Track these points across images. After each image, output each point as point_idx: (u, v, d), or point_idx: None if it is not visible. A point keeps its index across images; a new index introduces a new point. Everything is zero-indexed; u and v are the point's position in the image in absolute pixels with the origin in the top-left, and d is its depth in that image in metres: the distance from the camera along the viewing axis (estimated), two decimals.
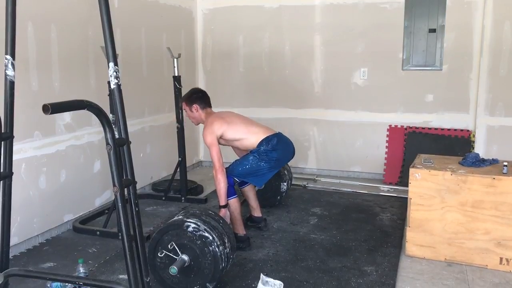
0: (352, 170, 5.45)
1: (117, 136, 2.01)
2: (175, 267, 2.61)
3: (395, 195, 4.71)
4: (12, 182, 2.35)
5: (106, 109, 2.91)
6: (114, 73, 2.06)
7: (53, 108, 1.63)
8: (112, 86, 2.09)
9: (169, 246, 2.70)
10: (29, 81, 3.38)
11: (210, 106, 3.65)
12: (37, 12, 3.41)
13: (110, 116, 3.25)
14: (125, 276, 2.09)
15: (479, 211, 3.06)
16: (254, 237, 3.60)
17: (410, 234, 3.27)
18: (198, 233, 2.66)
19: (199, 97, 3.61)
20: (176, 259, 2.68)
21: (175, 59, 4.39)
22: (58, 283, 2.62)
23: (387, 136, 5.23)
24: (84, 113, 2.26)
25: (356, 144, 5.38)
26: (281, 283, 2.72)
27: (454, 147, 4.86)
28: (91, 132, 3.99)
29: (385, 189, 4.92)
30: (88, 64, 3.97)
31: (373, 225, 3.89)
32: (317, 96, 5.45)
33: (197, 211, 2.90)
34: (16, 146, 2.89)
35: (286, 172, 4.36)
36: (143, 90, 4.76)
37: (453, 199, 3.12)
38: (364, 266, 3.13)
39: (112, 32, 2.06)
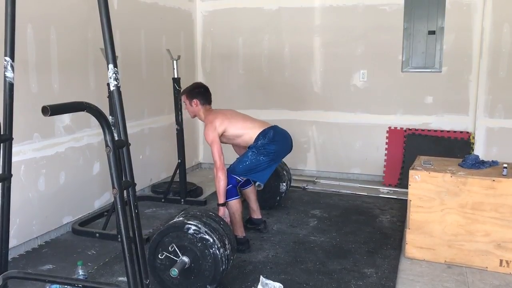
0: (352, 172, 5.44)
1: (116, 138, 2.01)
2: (175, 269, 2.61)
3: (395, 197, 4.71)
4: (11, 184, 2.35)
5: (106, 111, 2.91)
6: (114, 75, 2.06)
7: (52, 110, 1.63)
8: (112, 88, 2.09)
9: (169, 248, 2.70)
10: (29, 83, 3.38)
11: (210, 103, 3.63)
12: (36, 14, 3.41)
13: (110, 118, 3.24)
14: (125, 278, 2.08)
15: (479, 213, 3.06)
16: (253, 239, 3.59)
17: (410, 236, 3.26)
18: (199, 236, 2.66)
19: (201, 93, 3.59)
20: (177, 261, 2.67)
21: (175, 61, 4.39)
22: (57, 286, 2.61)
23: (387, 138, 5.23)
24: (84, 115, 2.26)
25: (355, 146, 5.38)
26: (281, 285, 2.72)
27: (454, 149, 4.86)
28: (90, 134, 3.98)
29: (385, 191, 4.92)
30: (87, 66, 3.97)
31: (372, 227, 3.88)
32: (316, 97, 5.45)
33: (198, 213, 2.89)
34: (15, 148, 2.89)
35: (285, 173, 4.35)
36: (142, 92, 4.76)
37: (452, 201, 3.11)
38: (364, 268, 3.12)
39: (112, 34, 2.07)
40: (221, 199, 3.34)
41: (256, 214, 3.77)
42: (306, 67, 5.43)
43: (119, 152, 2.05)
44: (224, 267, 2.69)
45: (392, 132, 5.21)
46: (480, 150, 4.77)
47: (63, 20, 3.67)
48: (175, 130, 4.52)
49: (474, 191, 3.05)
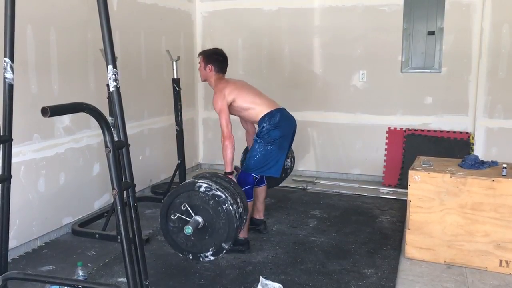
0: (352, 173, 5.44)
1: (116, 138, 2.01)
2: (190, 227, 2.56)
3: (395, 197, 4.71)
4: (11, 185, 2.35)
5: (105, 111, 2.92)
6: (113, 76, 2.06)
7: (52, 111, 1.63)
8: (111, 89, 2.09)
9: (182, 207, 2.64)
10: (28, 84, 3.38)
11: (224, 72, 3.55)
12: (36, 15, 3.41)
13: (109, 118, 3.24)
14: (124, 279, 2.08)
15: (478, 213, 3.06)
16: (253, 239, 3.59)
17: (410, 237, 3.26)
18: (211, 193, 2.61)
19: (219, 60, 3.51)
20: (190, 221, 2.62)
21: (174, 62, 4.39)
22: (57, 287, 2.61)
23: (386, 138, 5.23)
24: (83, 115, 2.26)
25: (355, 147, 5.38)
26: (281, 286, 2.72)
27: (453, 149, 4.87)
28: (90, 134, 3.98)
29: (385, 191, 4.92)
30: (87, 67, 3.97)
31: (372, 228, 3.89)
32: (316, 98, 5.45)
33: (207, 174, 2.84)
34: (15, 149, 2.90)
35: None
36: (142, 92, 4.76)
37: (452, 201, 3.11)
38: (364, 269, 3.12)
39: (111, 35, 2.07)
40: (228, 168, 3.28)
41: (259, 215, 3.77)
42: (306, 67, 5.44)
43: (118, 153, 2.05)
44: (237, 224, 2.63)
45: (392, 133, 5.21)
46: (479, 151, 4.77)
47: (62, 21, 3.67)
48: (175, 131, 4.52)
49: (473, 191, 3.05)
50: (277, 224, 3.99)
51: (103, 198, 4.23)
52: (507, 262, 3.03)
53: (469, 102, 4.91)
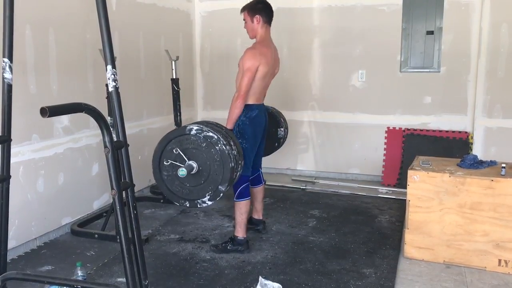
0: (351, 172, 5.45)
1: (115, 138, 2.01)
2: (184, 169, 2.50)
3: (394, 197, 4.72)
4: (10, 185, 2.35)
5: (104, 112, 2.92)
6: (112, 76, 2.06)
7: (51, 111, 1.63)
8: (110, 89, 2.09)
9: (174, 152, 2.57)
10: (27, 84, 3.38)
11: (270, 24, 3.39)
12: (35, 15, 3.41)
13: (108, 118, 3.24)
14: (124, 279, 2.08)
15: (477, 213, 3.06)
16: (252, 239, 3.59)
17: (409, 236, 3.27)
18: (202, 134, 2.55)
19: (264, 8, 3.34)
20: (183, 166, 2.56)
21: (173, 62, 4.39)
22: (56, 287, 2.61)
23: (385, 138, 5.24)
24: (82, 115, 2.26)
25: (354, 146, 5.38)
26: (280, 285, 2.72)
27: (452, 149, 4.87)
28: (89, 135, 3.98)
29: (384, 191, 4.92)
30: (86, 67, 3.96)
31: (371, 227, 3.89)
32: (315, 98, 5.45)
33: (198, 121, 2.77)
34: (14, 149, 2.89)
35: (282, 120, 4.06)
36: (141, 92, 4.76)
37: (451, 201, 3.12)
38: (363, 269, 3.12)
39: (110, 35, 2.07)
40: (230, 125, 3.19)
41: (258, 215, 3.77)
42: (305, 67, 5.44)
43: (117, 153, 2.05)
44: (232, 165, 2.57)
45: (391, 132, 5.21)
46: (478, 150, 4.78)
47: (61, 21, 3.66)
48: None
49: (472, 191, 3.05)
50: (276, 224, 3.99)
51: (102, 198, 4.22)
52: (506, 262, 3.03)
53: (468, 102, 4.91)
